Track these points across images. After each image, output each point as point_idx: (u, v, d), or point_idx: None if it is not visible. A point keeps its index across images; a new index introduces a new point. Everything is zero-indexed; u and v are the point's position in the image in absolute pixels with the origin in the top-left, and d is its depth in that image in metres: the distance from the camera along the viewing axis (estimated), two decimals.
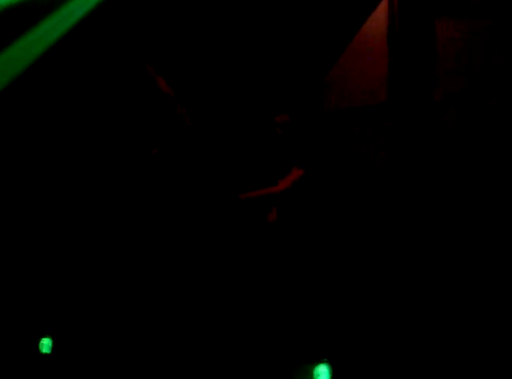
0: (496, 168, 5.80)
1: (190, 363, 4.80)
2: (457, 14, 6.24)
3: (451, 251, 5.55)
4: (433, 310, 5.18)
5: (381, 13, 6.52)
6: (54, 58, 6.31)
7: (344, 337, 4.77)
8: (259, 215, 5.02)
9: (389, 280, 5.33)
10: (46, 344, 5.01)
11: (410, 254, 5.61)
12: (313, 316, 4.85)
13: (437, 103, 6.19)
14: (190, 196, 5.13)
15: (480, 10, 6.12)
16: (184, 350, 4.89)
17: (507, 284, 5.15)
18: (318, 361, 4.43)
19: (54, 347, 5.02)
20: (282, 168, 5.25)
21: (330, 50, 6.48)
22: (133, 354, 4.94)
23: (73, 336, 5.17)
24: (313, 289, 4.92)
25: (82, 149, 6.26)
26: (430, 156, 6.08)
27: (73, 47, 6.32)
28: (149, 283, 5.37)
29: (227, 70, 6.46)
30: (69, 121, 6.32)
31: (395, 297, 5.30)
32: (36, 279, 5.57)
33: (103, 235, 5.77)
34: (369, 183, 6.14)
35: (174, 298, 5.22)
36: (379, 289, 5.32)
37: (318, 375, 4.38)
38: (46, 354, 4.96)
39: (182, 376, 4.76)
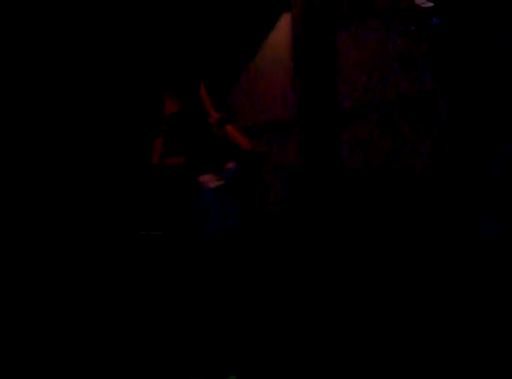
0: (399, 173, 5.95)
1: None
2: (359, 26, 6.38)
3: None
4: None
5: (284, 31, 6.62)
6: None
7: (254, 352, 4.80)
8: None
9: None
10: None
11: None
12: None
13: (341, 114, 6.33)
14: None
15: (379, 23, 6.27)
16: None
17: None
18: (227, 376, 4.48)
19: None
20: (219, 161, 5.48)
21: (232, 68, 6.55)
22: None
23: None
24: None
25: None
26: (337, 165, 6.24)
27: None
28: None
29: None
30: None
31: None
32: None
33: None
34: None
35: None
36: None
37: None
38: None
39: None
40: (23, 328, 5.19)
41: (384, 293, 5.33)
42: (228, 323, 4.78)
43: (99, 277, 5.66)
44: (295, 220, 6.22)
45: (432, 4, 3.77)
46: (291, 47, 6.61)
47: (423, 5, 4.42)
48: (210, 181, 5.01)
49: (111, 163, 6.19)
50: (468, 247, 4.93)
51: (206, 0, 6.47)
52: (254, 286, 5.16)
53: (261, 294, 5.01)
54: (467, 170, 5.22)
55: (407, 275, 5.36)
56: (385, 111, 6.11)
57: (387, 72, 6.17)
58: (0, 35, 5.98)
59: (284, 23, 6.61)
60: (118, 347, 4.99)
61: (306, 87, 6.51)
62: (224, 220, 4.97)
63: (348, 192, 5.98)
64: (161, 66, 6.28)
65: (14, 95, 6.11)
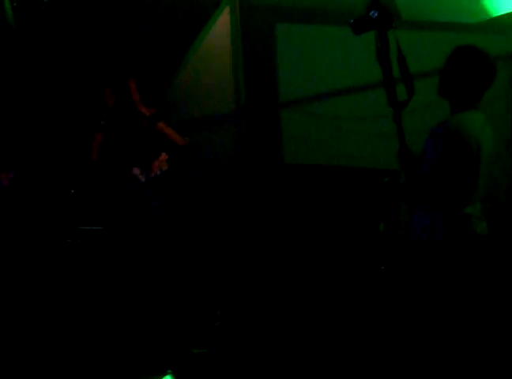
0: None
1: None
2: (297, 20, 6.39)
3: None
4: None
5: (223, 23, 6.58)
6: None
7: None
8: None
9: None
10: None
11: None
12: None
13: (280, 106, 6.34)
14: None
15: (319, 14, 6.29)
16: None
17: None
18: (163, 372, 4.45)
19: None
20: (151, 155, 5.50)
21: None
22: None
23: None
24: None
25: None
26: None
27: None
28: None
29: None
30: None
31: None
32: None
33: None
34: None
35: None
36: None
37: None
38: None
39: None
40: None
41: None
42: None
43: (37, 272, 5.54)
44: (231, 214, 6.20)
45: None
46: (230, 40, 6.57)
47: None
48: (141, 173, 5.00)
49: (49, 158, 6.08)
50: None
51: None
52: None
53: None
54: None
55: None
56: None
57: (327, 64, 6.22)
58: None
59: (224, 15, 6.57)
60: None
61: (246, 80, 6.50)
62: (151, 211, 4.97)
63: (286, 186, 5.99)
64: (98, 63, 6.18)
65: None
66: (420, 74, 4.54)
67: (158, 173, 5.26)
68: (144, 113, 4.81)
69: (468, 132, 3.51)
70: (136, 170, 5.04)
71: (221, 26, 6.56)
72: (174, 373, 4.45)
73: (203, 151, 6.23)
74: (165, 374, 4.45)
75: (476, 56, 3.60)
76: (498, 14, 5.83)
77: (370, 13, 3.64)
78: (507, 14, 5.77)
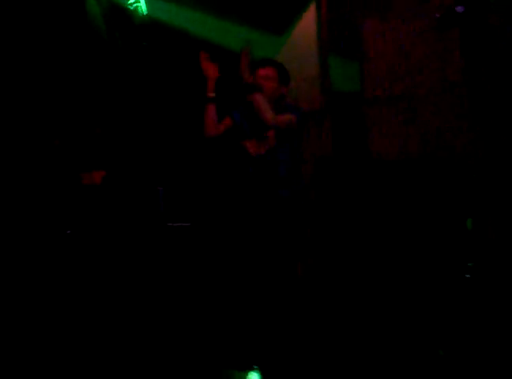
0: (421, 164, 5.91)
1: None
2: (385, 16, 6.33)
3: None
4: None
5: (310, 19, 6.59)
6: None
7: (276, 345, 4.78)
8: None
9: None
10: None
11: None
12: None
13: (367, 101, 6.29)
14: None
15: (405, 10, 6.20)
16: None
17: None
18: (249, 368, 4.46)
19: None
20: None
21: None
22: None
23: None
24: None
25: None
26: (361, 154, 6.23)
27: None
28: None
29: None
30: None
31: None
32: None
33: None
34: None
35: None
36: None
37: None
38: None
39: None
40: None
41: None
42: None
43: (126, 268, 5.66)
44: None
45: None
46: (317, 35, 6.58)
47: None
48: None
49: (137, 156, 6.21)
50: None
51: None
52: None
53: None
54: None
55: None
56: (411, 101, 6.07)
57: (413, 61, 6.13)
58: None
59: (311, 10, 6.58)
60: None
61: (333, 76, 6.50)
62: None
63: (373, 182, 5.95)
64: None
65: None
66: None
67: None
68: (246, 79, 4.59)
69: None
70: None
71: (308, 20, 6.58)
72: (260, 370, 4.46)
73: None
74: (251, 370, 4.47)
75: None
76: None
77: (456, 8, 3.59)
78: None
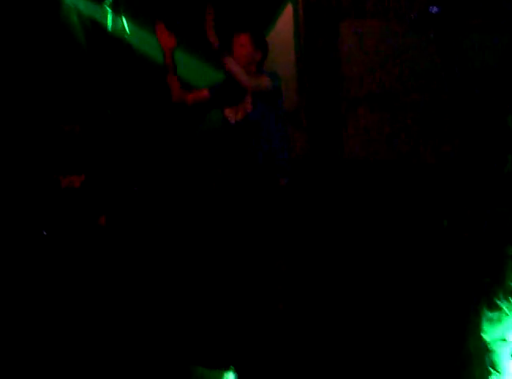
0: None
1: None
2: (362, 15, 6.35)
3: None
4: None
5: (286, 19, 6.60)
6: None
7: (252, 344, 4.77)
8: None
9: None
10: None
11: None
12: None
13: (344, 100, 6.32)
14: None
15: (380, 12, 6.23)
16: None
17: None
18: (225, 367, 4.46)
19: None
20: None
21: None
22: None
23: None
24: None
25: None
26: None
27: None
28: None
29: None
30: None
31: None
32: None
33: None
34: None
35: None
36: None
37: None
38: None
39: None
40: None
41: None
42: None
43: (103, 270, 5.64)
44: None
45: None
46: (293, 35, 6.59)
47: None
48: None
49: (115, 159, 6.20)
50: None
51: None
52: None
53: None
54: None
55: None
56: (387, 101, 6.10)
57: (390, 61, 6.16)
58: None
59: (288, 10, 6.59)
60: None
61: (309, 76, 6.51)
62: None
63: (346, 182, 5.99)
64: None
65: None
66: None
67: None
68: (213, 43, 4.49)
69: None
70: None
71: (285, 23, 6.59)
72: (236, 370, 4.45)
73: None
74: (228, 370, 4.46)
75: None
76: None
77: (431, 9, 3.61)
78: None
